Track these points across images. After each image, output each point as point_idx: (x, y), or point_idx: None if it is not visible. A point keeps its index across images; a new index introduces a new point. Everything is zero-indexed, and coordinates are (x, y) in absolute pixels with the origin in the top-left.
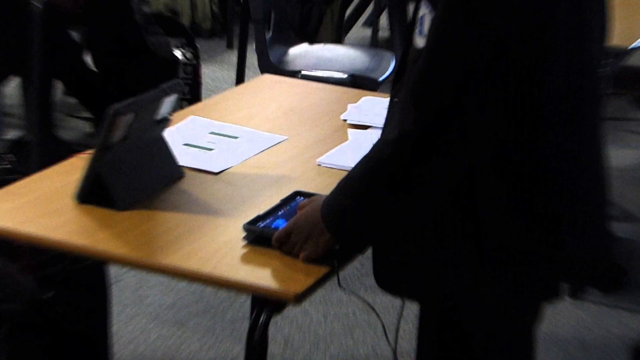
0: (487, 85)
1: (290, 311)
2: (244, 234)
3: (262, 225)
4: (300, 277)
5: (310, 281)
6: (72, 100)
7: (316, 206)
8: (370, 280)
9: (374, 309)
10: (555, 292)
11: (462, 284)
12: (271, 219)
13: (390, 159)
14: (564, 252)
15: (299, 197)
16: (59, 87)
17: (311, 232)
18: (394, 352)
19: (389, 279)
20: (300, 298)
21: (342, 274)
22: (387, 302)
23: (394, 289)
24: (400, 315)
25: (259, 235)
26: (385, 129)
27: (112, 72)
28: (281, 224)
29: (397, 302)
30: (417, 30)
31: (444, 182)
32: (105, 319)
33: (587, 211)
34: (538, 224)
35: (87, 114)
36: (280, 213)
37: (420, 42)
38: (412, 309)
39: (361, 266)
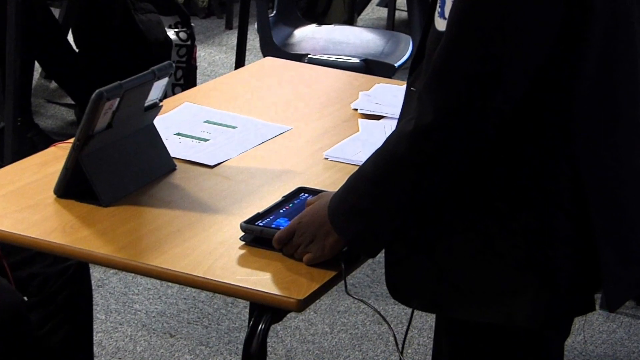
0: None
1: (292, 320)
2: (241, 233)
3: (261, 224)
4: (303, 282)
5: (314, 286)
6: (52, 85)
7: (323, 204)
8: (382, 288)
9: (384, 318)
10: (587, 305)
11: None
12: (272, 217)
13: (406, 155)
14: (596, 260)
15: (303, 194)
16: (37, 70)
17: (317, 233)
18: None
19: (402, 288)
20: (303, 305)
21: (350, 280)
22: (399, 312)
23: (408, 299)
24: (408, 326)
25: (258, 235)
26: (401, 120)
27: (96, 54)
28: (283, 223)
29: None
30: (437, 11)
31: (464, 181)
32: (88, 327)
33: (622, 217)
34: (567, 231)
35: (68, 101)
36: (282, 211)
37: (440, 24)
38: (426, 320)
39: (372, 272)
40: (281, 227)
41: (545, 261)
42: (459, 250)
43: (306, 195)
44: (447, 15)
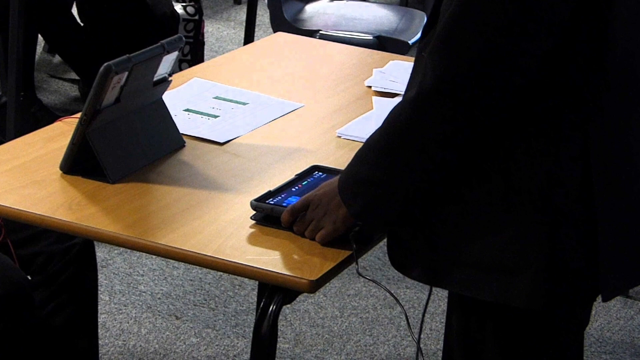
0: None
1: (302, 304)
2: (251, 212)
3: (272, 202)
4: (315, 263)
5: (327, 267)
6: (55, 60)
7: (336, 179)
8: (394, 271)
9: (395, 297)
10: (592, 290)
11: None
12: (283, 195)
13: (409, 121)
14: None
15: (316, 173)
16: (40, 44)
17: (328, 207)
18: (418, 349)
19: (402, 258)
20: (315, 286)
21: (362, 262)
22: (412, 295)
23: (408, 270)
24: (425, 308)
25: (268, 214)
26: (408, 87)
27: (101, 29)
28: (294, 201)
29: (424, 295)
30: None
31: (471, 149)
32: (92, 307)
33: (628, 203)
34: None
35: (71, 76)
36: (294, 189)
37: None
38: (439, 304)
39: (383, 255)
40: None
41: (548, 239)
42: (459, 221)
43: (320, 174)
44: None
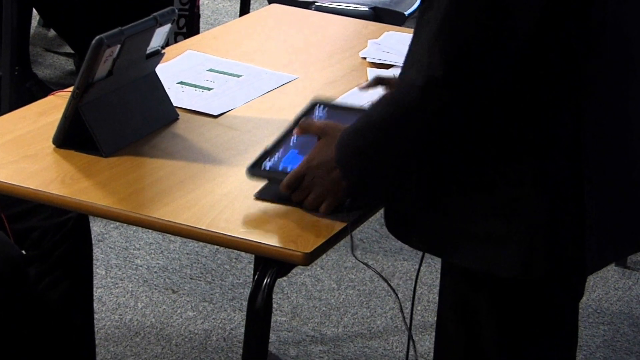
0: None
1: (298, 276)
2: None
3: (269, 164)
4: (310, 236)
5: (321, 240)
6: (50, 34)
7: (331, 142)
8: (391, 244)
9: (388, 283)
10: (577, 263)
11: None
12: (281, 152)
13: (415, 107)
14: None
15: (318, 108)
16: (34, 18)
17: (328, 179)
18: (409, 329)
19: (397, 226)
20: (309, 258)
21: (359, 235)
22: (409, 268)
23: (405, 237)
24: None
25: (267, 184)
26: (410, 60)
27: (96, 1)
28: (293, 159)
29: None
30: None
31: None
32: (88, 282)
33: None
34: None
35: (66, 50)
36: (292, 143)
37: None
38: (436, 276)
39: (380, 227)
40: (292, 168)
41: (536, 211)
42: (449, 189)
43: (322, 107)
44: None
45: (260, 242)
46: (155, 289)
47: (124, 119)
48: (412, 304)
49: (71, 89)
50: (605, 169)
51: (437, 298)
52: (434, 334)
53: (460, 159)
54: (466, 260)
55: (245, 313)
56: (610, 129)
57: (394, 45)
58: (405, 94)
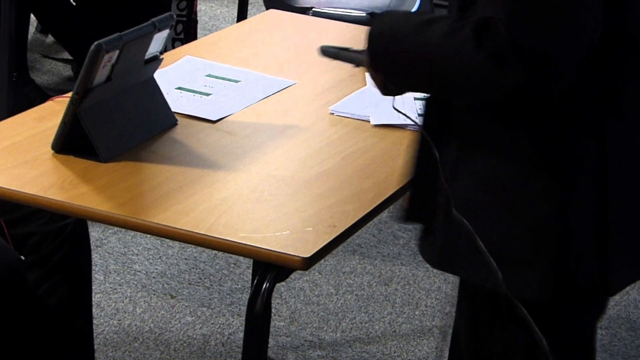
0: None
1: (297, 281)
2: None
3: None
4: (308, 240)
5: (320, 244)
6: (47, 40)
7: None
8: (389, 249)
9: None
10: (602, 286)
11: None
12: None
13: (469, 67)
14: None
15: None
16: (32, 24)
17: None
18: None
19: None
20: (308, 263)
21: (357, 240)
22: (407, 272)
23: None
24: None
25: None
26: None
27: (93, 7)
28: None
29: (419, 272)
30: None
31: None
32: (87, 287)
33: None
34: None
35: (64, 56)
36: None
37: None
38: (434, 281)
39: (378, 232)
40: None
41: (559, 233)
42: (476, 207)
43: None
44: None
45: (259, 247)
46: (154, 294)
47: (122, 125)
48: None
49: (70, 94)
50: (630, 191)
51: (436, 302)
52: (432, 338)
53: (483, 163)
54: (489, 282)
55: (243, 318)
56: (634, 150)
57: None
58: (465, 48)
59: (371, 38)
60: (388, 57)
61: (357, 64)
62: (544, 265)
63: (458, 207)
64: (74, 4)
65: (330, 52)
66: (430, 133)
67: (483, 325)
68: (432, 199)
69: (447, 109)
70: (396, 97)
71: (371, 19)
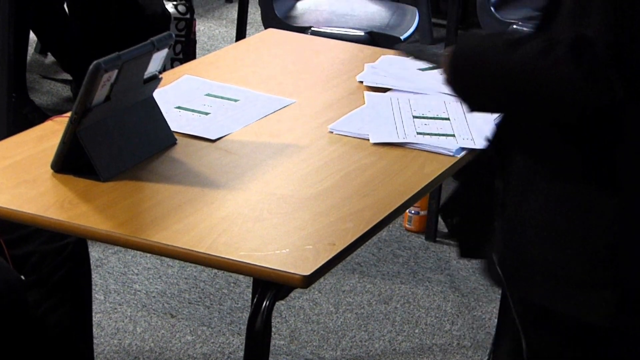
0: None
1: (297, 300)
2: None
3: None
4: (308, 258)
5: (320, 262)
6: (47, 60)
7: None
8: (389, 267)
9: None
10: None
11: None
12: None
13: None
14: None
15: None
16: (32, 45)
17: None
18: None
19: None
20: (308, 281)
21: (356, 259)
22: (406, 291)
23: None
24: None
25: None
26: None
27: (92, 28)
28: None
29: (418, 291)
30: None
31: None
32: (87, 307)
33: None
34: None
35: (63, 76)
36: None
37: None
38: (434, 300)
39: (378, 251)
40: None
41: (627, 254)
42: (545, 229)
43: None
44: None
45: (259, 265)
46: (154, 314)
47: (122, 144)
48: None
49: (69, 114)
50: None
51: (435, 320)
52: (432, 357)
53: (551, 186)
54: (552, 302)
55: (244, 337)
56: None
57: (390, 68)
58: (552, 66)
59: (456, 55)
60: (471, 74)
61: (437, 64)
62: (615, 287)
63: (525, 229)
64: (73, 24)
65: (411, 50)
66: (494, 156)
67: (533, 350)
68: (490, 227)
69: (516, 131)
70: (395, 116)
71: (457, 38)
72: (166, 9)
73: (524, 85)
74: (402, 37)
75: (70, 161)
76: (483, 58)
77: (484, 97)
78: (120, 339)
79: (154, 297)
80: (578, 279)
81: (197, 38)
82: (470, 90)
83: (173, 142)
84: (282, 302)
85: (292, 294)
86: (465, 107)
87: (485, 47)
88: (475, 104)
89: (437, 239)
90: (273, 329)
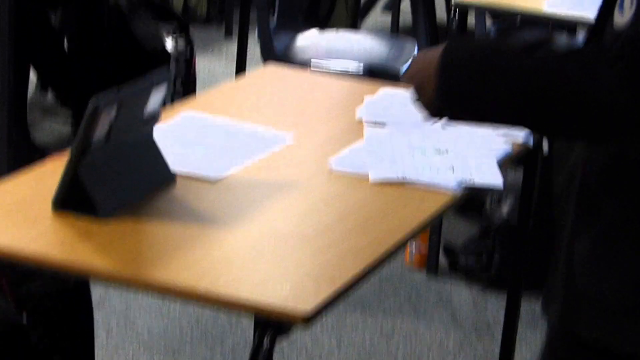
0: None
1: (299, 337)
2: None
3: None
4: (309, 294)
5: (320, 299)
6: (47, 100)
7: (434, 54)
8: (391, 302)
9: None
10: None
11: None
12: None
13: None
14: None
15: None
16: (32, 83)
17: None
18: None
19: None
20: (309, 319)
21: (358, 294)
22: (408, 327)
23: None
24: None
25: None
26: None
27: (91, 66)
28: None
29: (420, 327)
30: (617, 8)
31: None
32: (89, 347)
33: None
34: None
35: (64, 115)
36: None
37: (620, 19)
38: (436, 336)
39: (379, 286)
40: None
41: None
42: (601, 259)
43: None
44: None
45: (259, 303)
46: (156, 353)
47: (122, 182)
48: None
49: (69, 152)
50: None
51: (437, 357)
52: None
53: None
54: (592, 331)
55: None
56: None
57: (389, 102)
58: (584, 76)
59: (447, 64)
60: (471, 80)
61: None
62: None
63: (581, 260)
64: (72, 59)
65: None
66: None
67: None
68: (547, 260)
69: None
70: (394, 151)
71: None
72: (166, 48)
73: (553, 92)
74: (401, 69)
75: (71, 199)
76: (488, 62)
77: (487, 104)
78: None
79: (155, 336)
80: (615, 305)
81: (197, 73)
82: (470, 99)
83: (172, 180)
84: (284, 341)
85: (293, 332)
86: (452, 118)
87: (485, 52)
88: (474, 113)
89: (439, 274)
90: None
